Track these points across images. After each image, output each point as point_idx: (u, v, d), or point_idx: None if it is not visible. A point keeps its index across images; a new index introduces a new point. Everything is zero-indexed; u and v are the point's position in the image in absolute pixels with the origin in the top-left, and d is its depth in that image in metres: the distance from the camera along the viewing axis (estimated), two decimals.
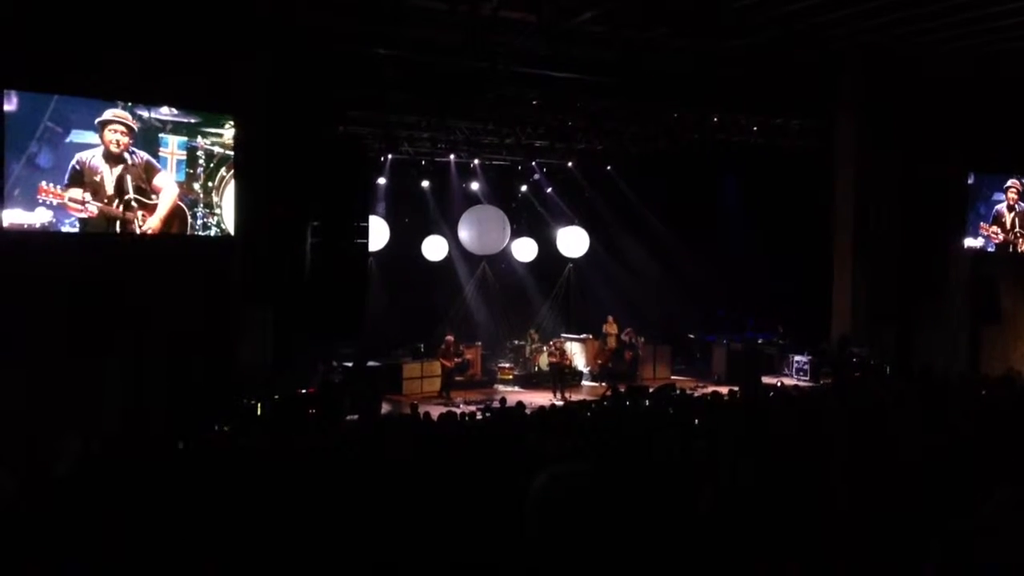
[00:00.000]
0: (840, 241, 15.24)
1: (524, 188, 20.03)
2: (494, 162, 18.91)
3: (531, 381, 17.82)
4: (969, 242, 15.16)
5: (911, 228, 14.67)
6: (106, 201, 10.31)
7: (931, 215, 14.68)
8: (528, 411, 10.09)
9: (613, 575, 2.03)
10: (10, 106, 9.67)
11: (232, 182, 11.20)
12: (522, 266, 19.97)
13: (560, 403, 13.79)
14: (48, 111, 9.89)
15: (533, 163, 19.16)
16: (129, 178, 10.44)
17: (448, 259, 18.93)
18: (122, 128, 10.36)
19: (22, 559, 4.25)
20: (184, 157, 10.87)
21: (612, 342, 18.29)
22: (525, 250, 19.50)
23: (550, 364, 17.34)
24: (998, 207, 15.38)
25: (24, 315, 9.71)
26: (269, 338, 12.03)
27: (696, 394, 12.15)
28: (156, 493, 5.41)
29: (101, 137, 10.21)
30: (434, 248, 18.53)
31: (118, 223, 10.43)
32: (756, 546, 3.71)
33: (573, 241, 19.42)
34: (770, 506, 4.08)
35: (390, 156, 17.17)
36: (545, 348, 17.95)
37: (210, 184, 11.08)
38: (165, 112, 10.71)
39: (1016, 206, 15.50)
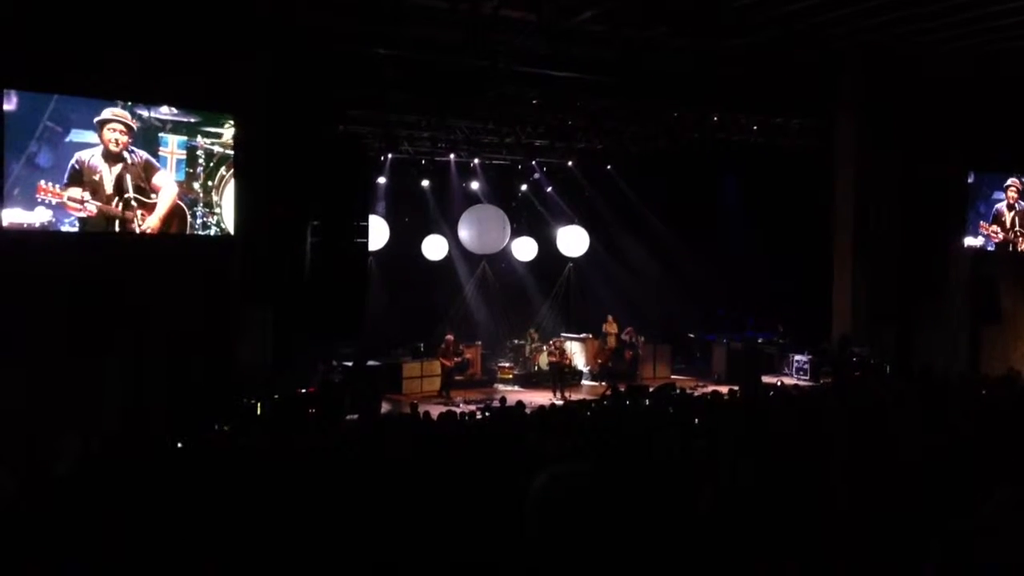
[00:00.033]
0: (840, 240, 15.24)
1: (524, 187, 20.03)
2: (494, 161, 18.90)
3: (531, 380, 17.82)
4: (969, 241, 15.15)
5: (911, 227, 14.67)
6: (105, 200, 10.31)
7: (931, 214, 14.68)
8: (528, 411, 10.09)
9: (613, 575, 2.03)
10: (10, 106, 9.67)
11: (232, 181, 11.20)
12: (522, 265, 19.97)
13: (560, 402, 13.81)
14: (48, 111, 9.89)
15: (533, 162, 19.15)
16: (128, 177, 10.44)
17: (448, 258, 18.94)
18: (121, 127, 10.36)
19: (22, 559, 4.25)
20: (184, 156, 10.87)
21: (612, 341, 18.29)
22: (525, 249, 19.50)
23: (550, 363, 17.33)
24: (998, 206, 15.37)
25: (24, 314, 9.71)
26: (269, 338, 12.02)
27: (696, 393, 12.15)
28: (156, 493, 5.41)
29: (100, 136, 10.21)
30: (434, 247, 18.53)
31: (117, 222, 10.43)
32: (756, 546, 3.71)
33: (573, 240, 19.42)
34: (770, 506, 4.08)
35: (390, 155, 17.17)
36: (545, 347, 17.95)
37: (210, 183, 11.08)
38: (165, 111, 10.71)
39: (1016, 205, 15.49)
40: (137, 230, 10.55)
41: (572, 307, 20.39)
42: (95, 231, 10.34)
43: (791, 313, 18.20)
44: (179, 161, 10.84)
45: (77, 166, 10.11)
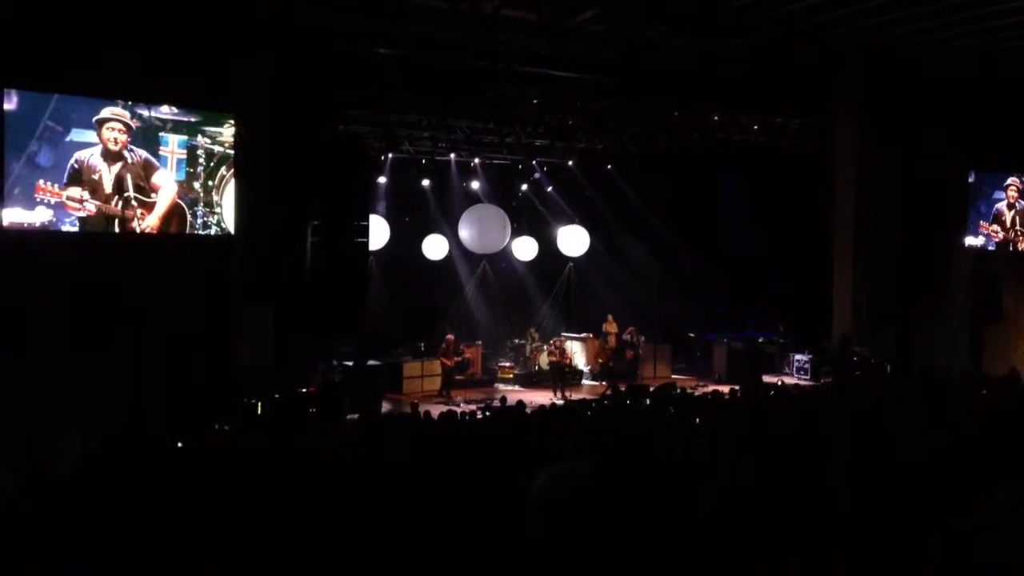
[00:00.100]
0: (840, 240, 15.24)
1: (524, 187, 20.03)
2: (494, 161, 18.90)
3: (531, 380, 17.82)
4: (970, 240, 15.15)
5: (911, 227, 14.67)
6: (104, 199, 10.30)
7: (931, 214, 14.68)
8: (528, 410, 10.09)
9: (614, 575, 2.03)
10: (10, 105, 9.67)
11: (232, 181, 11.20)
12: (522, 265, 19.97)
13: (560, 402, 13.81)
14: (48, 110, 9.89)
15: (533, 162, 19.16)
16: (128, 176, 10.44)
17: (448, 258, 18.94)
18: (120, 126, 10.36)
19: (22, 559, 4.25)
20: (184, 156, 10.87)
21: (612, 341, 18.29)
22: (525, 249, 19.50)
23: (550, 363, 17.33)
24: (998, 205, 15.37)
25: (24, 314, 9.72)
26: (269, 337, 12.03)
27: (697, 393, 12.16)
28: (156, 492, 5.41)
29: (99, 135, 10.21)
30: (434, 247, 18.53)
31: (117, 221, 10.43)
32: (756, 545, 3.71)
33: (573, 240, 19.42)
34: (770, 505, 4.07)
35: (390, 155, 17.17)
36: (545, 347, 17.95)
37: (210, 183, 11.08)
38: (165, 111, 10.71)
39: (1016, 204, 15.49)
40: (137, 229, 10.55)
41: (572, 307, 20.39)
42: (95, 231, 10.34)
43: (791, 313, 18.21)
44: (179, 161, 10.84)
45: (76, 165, 10.11)
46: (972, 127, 14.37)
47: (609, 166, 19.74)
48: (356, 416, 12.27)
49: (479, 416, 10.79)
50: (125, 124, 10.40)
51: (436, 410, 10.80)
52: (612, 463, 5.53)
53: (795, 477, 4.60)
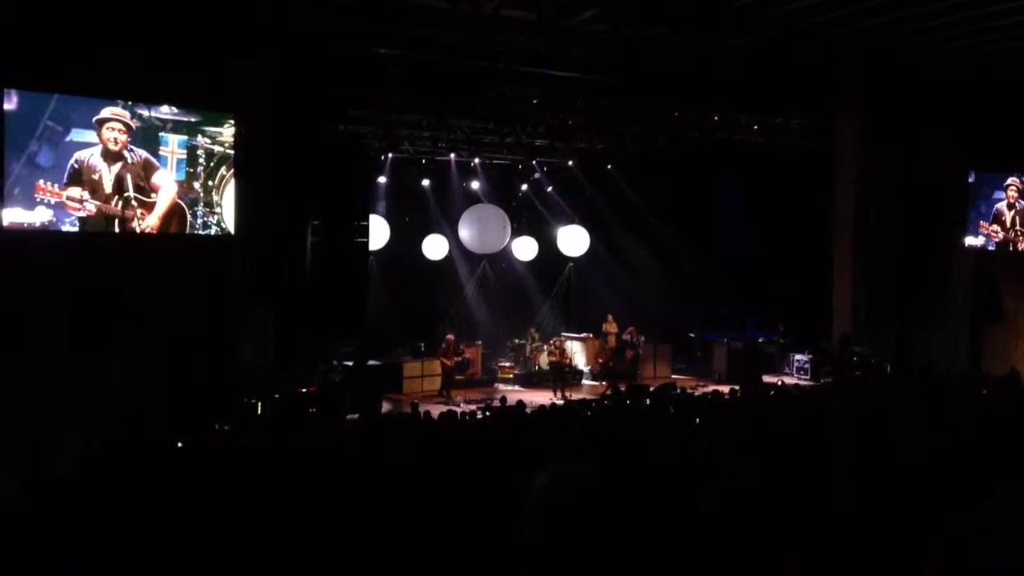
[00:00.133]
0: (840, 240, 15.24)
1: (524, 187, 20.03)
2: (494, 161, 18.90)
3: (531, 380, 17.82)
4: (970, 240, 15.15)
5: (911, 227, 14.67)
6: (104, 199, 10.30)
7: (931, 214, 14.68)
8: (528, 410, 10.09)
9: (614, 575, 2.03)
10: (10, 105, 9.67)
11: (232, 181, 11.20)
12: (522, 265, 19.97)
13: (560, 402, 13.81)
14: (48, 110, 9.89)
15: (533, 162, 19.16)
16: (128, 176, 10.44)
17: (448, 258, 18.93)
18: (119, 126, 10.36)
19: (22, 559, 4.25)
20: (184, 156, 10.87)
21: (612, 341, 18.29)
22: (525, 249, 19.50)
23: (550, 363, 17.33)
24: (998, 205, 15.37)
25: (24, 314, 9.72)
26: (269, 337, 12.03)
27: (697, 393, 12.16)
28: (156, 492, 5.41)
29: (99, 135, 10.21)
30: (434, 247, 18.53)
31: (117, 221, 10.43)
32: (756, 545, 3.71)
33: (573, 240, 19.42)
34: (770, 505, 4.07)
35: (390, 155, 17.17)
36: (545, 347, 17.95)
37: (210, 183, 11.08)
38: (165, 111, 10.71)
39: (1016, 204, 15.49)
40: (137, 229, 10.55)
41: (572, 307, 20.39)
42: (95, 231, 10.34)
43: (791, 313, 18.21)
44: (179, 161, 10.84)
45: (76, 165, 10.11)
46: (972, 127, 14.37)
47: (609, 166, 19.74)
48: (356, 416, 12.27)
49: (479, 416, 10.79)
50: (125, 124, 10.40)
51: (436, 410, 10.80)
52: (612, 463, 5.53)
53: (795, 477, 4.60)
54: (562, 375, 16.91)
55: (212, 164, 11.07)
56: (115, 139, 10.30)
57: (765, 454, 5.24)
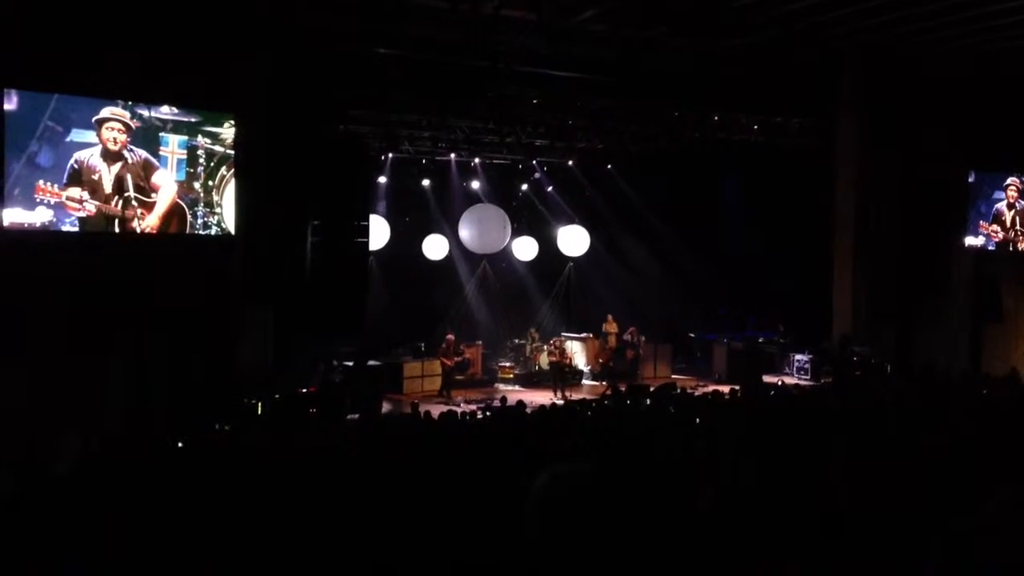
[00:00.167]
0: (840, 240, 15.24)
1: (524, 187, 20.02)
2: (495, 161, 18.90)
3: (531, 380, 17.82)
4: (969, 240, 15.15)
5: (912, 227, 14.68)
6: (104, 199, 10.30)
7: (932, 214, 14.69)
8: (528, 410, 10.10)
9: (614, 575, 2.03)
10: (10, 105, 9.67)
11: (232, 181, 11.20)
12: (522, 265, 19.96)
13: (560, 402, 13.80)
14: (48, 110, 9.89)
15: (534, 162, 19.15)
16: (128, 176, 10.44)
17: (449, 258, 18.93)
18: (119, 126, 10.36)
19: (22, 559, 4.25)
20: (184, 156, 10.87)
21: (612, 341, 18.28)
22: (525, 249, 19.50)
23: (550, 363, 17.33)
24: (998, 205, 15.37)
25: (24, 314, 9.72)
26: (269, 337, 12.02)
27: (697, 393, 12.16)
28: (156, 492, 5.41)
29: (99, 135, 10.21)
30: (435, 247, 18.53)
31: (117, 221, 10.43)
32: (756, 545, 3.71)
33: (573, 240, 19.41)
34: (770, 505, 4.08)
35: (391, 155, 17.17)
36: (545, 347, 17.95)
37: (210, 183, 11.08)
38: (165, 111, 10.71)
39: (1016, 204, 15.49)
40: (137, 229, 10.55)
41: (573, 307, 20.38)
42: (95, 231, 10.34)
43: (792, 312, 18.21)
44: (180, 161, 10.85)
45: (76, 166, 10.11)
46: (972, 127, 14.38)
47: (609, 166, 19.73)
48: (356, 416, 12.28)
49: (479, 416, 10.79)
50: (125, 124, 10.40)
51: (436, 410, 10.80)
52: (612, 463, 5.53)
53: (795, 477, 4.60)
54: (562, 375, 16.90)
55: (212, 164, 11.07)
56: (115, 139, 10.30)
57: (765, 454, 5.25)
